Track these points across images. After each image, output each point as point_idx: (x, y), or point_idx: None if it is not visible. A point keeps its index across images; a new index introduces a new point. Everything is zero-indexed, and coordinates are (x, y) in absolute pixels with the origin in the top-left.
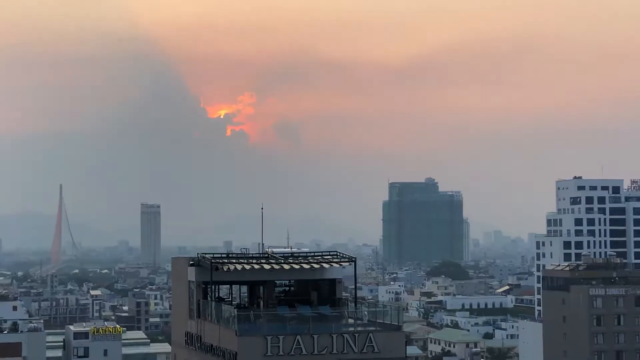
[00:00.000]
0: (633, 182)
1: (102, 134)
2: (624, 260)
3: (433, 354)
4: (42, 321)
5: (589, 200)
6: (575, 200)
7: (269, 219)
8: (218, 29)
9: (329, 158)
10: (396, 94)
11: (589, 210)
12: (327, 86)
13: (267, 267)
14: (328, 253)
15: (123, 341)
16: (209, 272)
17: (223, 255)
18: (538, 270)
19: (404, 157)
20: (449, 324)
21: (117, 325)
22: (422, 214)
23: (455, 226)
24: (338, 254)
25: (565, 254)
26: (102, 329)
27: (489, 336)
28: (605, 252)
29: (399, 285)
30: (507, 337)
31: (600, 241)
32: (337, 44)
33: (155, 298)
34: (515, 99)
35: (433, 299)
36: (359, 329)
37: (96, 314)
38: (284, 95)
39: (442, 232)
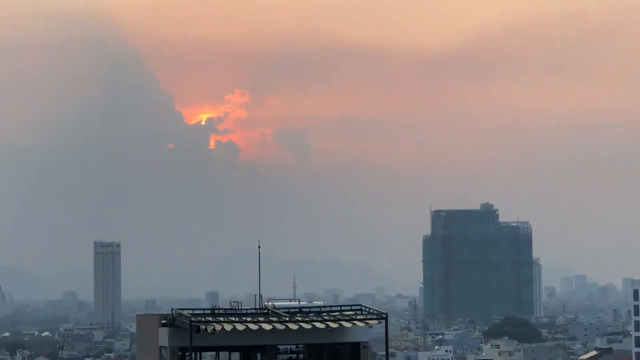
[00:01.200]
0: None
1: (42, 145)
2: None
3: None
4: None
5: None
6: None
7: (269, 262)
8: (198, 7)
9: (348, 177)
10: (435, 92)
11: None
12: (344, 82)
13: (266, 327)
14: (349, 307)
15: None
16: (188, 334)
17: (206, 312)
18: (637, 329)
19: (450, 175)
20: None
21: None
22: (477, 253)
23: (523, 269)
24: (363, 308)
25: None
26: None
27: None
28: None
29: (447, 351)
30: None
31: None
32: (356, 27)
33: None
34: (601, 96)
35: None
36: None
37: None
38: (287, 93)
39: (505, 277)
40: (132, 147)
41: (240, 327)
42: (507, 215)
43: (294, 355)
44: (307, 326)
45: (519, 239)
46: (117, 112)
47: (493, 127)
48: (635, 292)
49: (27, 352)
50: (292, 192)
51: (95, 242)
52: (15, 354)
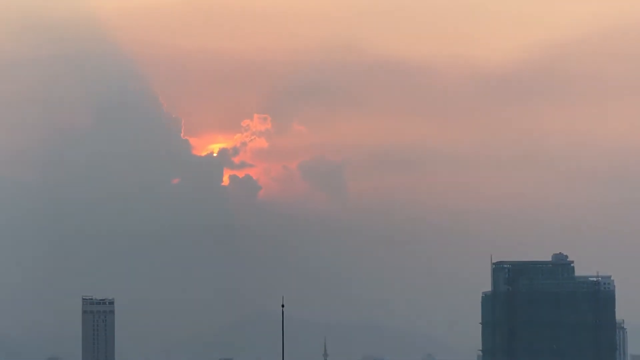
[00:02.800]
0: None
1: (19, 182)
2: None
3: None
4: None
5: None
6: None
7: (294, 324)
8: (209, 16)
9: (390, 222)
10: (499, 118)
11: None
12: (387, 105)
13: None
14: None
15: None
16: None
17: None
18: None
19: (516, 220)
20: None
21: None
22: (548, 314)
23: (604, 333)
24: None
25: None
26: None
27: None
28: None
29: None
30: None
31: None
32: (401, 38)
33: None
34: None
35: None
36: None
37: None
38: (316, 118)
39: (582, 343)
40: (129, 184)
41: None
42: (584, 268)
43: None
44: None
45: (599, 297)
46: (112, 142)
47: (568, 161)
48: None
49: None
50: (323, 240)
51: (83, 299)
52: None
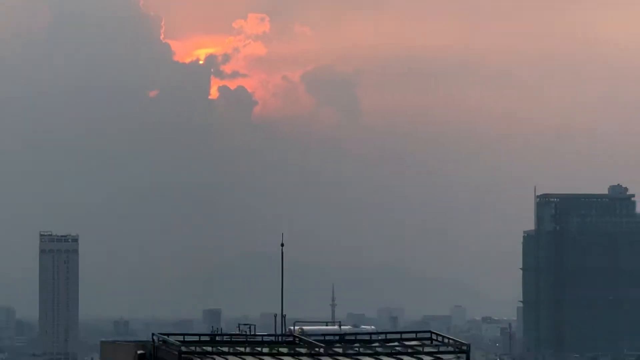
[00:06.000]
0: None
1: None
2: None
3: None
4: None
5: None
6: None
7: (295, 269)
8: None
9: (412, 146)
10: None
11: None
12: (411, 3)
13: None
14: (414, 335)
15: None
16: None
17: (204, 339)
18: None
19: (564, 143)
20: None
21: None
22: (603, 258)
23: None
24: (434, 337)
25: None
26: None
27: None
28: None
29: None
30: None
31: None
32: None
33: None
34: None
35: None
36: None
37: None
38: (323, 18)
39: None
40: (100, 98)
41: None
42: None
43: None
44: None
45: None
46: (75, 46)
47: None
48: None
49: None
50: (331, 167)
51: (41, 235)
52: None
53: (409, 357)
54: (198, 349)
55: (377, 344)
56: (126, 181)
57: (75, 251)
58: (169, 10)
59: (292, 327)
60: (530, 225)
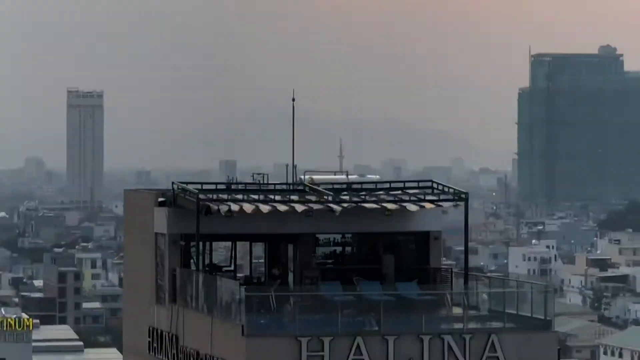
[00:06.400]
0: None
1: None
2: None
3: None
4: None
5: None
6: None
7: (307, 121)
8: None
9: (415, 2)
10: None
11: None
12: None
13: (301, 208)
14: (416, 184)
15: (35, 344)
16: (194, 217)
17: (220, 187)
18: None
19: (559, 4)
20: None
21: (24, 315)
22: (593, 113)
23: None
24: (435, 186)
25: None
26: None
27: None
28: None
29: (548, 247)
30: None
31: None
32: None
33: (94, 266)
34: None
35: (611, 272)
36: (472, 325)
37: None
38: None
39: (628, 147)
40: None
41: (265, 208)
42: (635, 62)
43: (339, 248)
44: (358, 208)
45: None
46: None
47: None
48: None
49: None
50: (339, 17)
51: (68, 91)
52: None
53: (411, 204)
54: (214, 196)
55: (381, 192)
56: (148, 40)
57: (101, 106)
58: None
59: (302, 177)
60: (525, 82)
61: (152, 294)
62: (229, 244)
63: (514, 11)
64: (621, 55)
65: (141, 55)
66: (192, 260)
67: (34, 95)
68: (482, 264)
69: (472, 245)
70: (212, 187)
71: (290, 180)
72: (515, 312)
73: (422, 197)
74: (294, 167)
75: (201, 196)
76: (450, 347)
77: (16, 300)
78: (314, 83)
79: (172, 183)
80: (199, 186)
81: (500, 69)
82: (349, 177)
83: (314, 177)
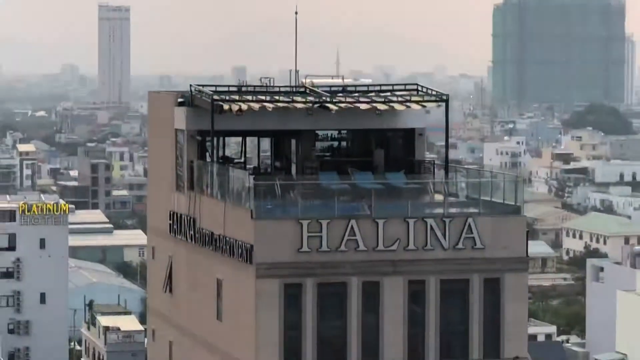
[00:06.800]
0: None
1: None
2: None
3: (571, 254)
4: None
5: None
6: None
7: (308, 32)
8: None
9: None
10: None
11: None
12: None
13: (302, 106)
14: (403, 87)
15: (71, 226)
16: (209, 115)
17: (232, 89)
18: None
19: None
20: (598, 205)
21: (61, 201)
22: (559, 26)
23: (613, 46)
24: (420, 88)
25: None
26: (37, 206)
27: None
28: None
29: (518, 143)
30: None
31: None
32: None
33: (122, 158)
34: None
35: (573, 165)
36: (452, 210)
37: (27, 183)
38: None
39: (591, 55)
40: None
41: (270, 106)
42: None
43: (336, 143)
44: (352, 108)
45: (610, 10)
46: None
47: None
48: None
49: (18, 134)
50: None
51: (99, 6)
52: (5, 137)
53: (398, 105)
54: (227, 97)
55: (372, 94)
56: None
57: (128, 19)
58: None
59: (303, 80)
60: None
61: (173, 182)
62: (239, 139)
63: None
64: None
65: None
66: (207, 153)
67: (69, 9)
68: (460, 157)
69: (452, 141)
70: (225, 89)
71: (293, 84)
72: (489, 199)
73: (409, 98)
74: (297, 72)
75: (215, 97)
76: (432, 229)
77: (54, 188)
78: None
79: (190, 86)
80: (213, 88)
81: None
82: (344, 81)
83: (314, 80)
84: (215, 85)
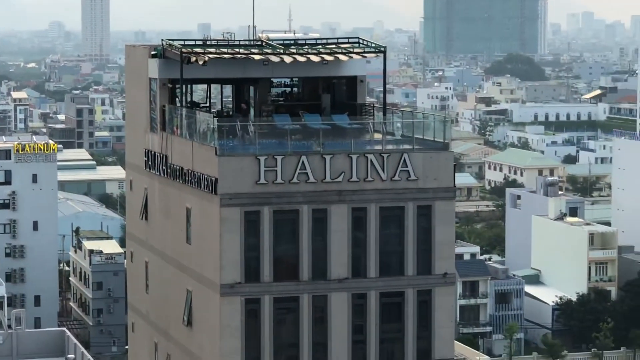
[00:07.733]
0: None
1: None
2: None
3: (492, 184)
4: None
5: None
6: None
7: None
8: None
9: None
10: None
11: None
12: None
13: (259, 58)
14: (346, 40)
15: (59, 163)
16: (179, 65)
17: (198, 43)
18: None
19: None
20: (515, 142)
21: (51, 141)
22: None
23: (527, 4)
24: (361, 41)
25: None
26: (30, 146)
27: (570, 160)
28: None
29: (447, 88)
30: (595, 162)
31: None
32: None
33: (103, 103)
34: None
35: (494, 107)
36: (389, 147)
37: (20, 125)
38: None
39: (509, 12)
40: None
41: (232, 58)
42: None
43: (288, 89)
44: (302, 58)
45: None
46: None
47: None
48: None
49: (12, 83)
50: None
51: None
52: (1, 85)
53: (342, 55)
54: (193, 50)
55: (320, 46)
56: None
57: None
58: None
59: (260, 35)
60: None
61: (147, 124)
62: (205, 86)
63: None
64: None
65: None
66: (177, 99)
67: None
68: (396, 101)
69: (389, 87)
70: (192, 42)
71: (252, 38)
72: (421, 137)
73: (351, 50)
74: (254, 27)
75: (184, 50)
76: (372, 163)
77: (44, 130)
78: None
79: (162, 40)
80: (182, 42)
81: None
82: (296, 35)
83: (270, 35)
84: (184, 40)
